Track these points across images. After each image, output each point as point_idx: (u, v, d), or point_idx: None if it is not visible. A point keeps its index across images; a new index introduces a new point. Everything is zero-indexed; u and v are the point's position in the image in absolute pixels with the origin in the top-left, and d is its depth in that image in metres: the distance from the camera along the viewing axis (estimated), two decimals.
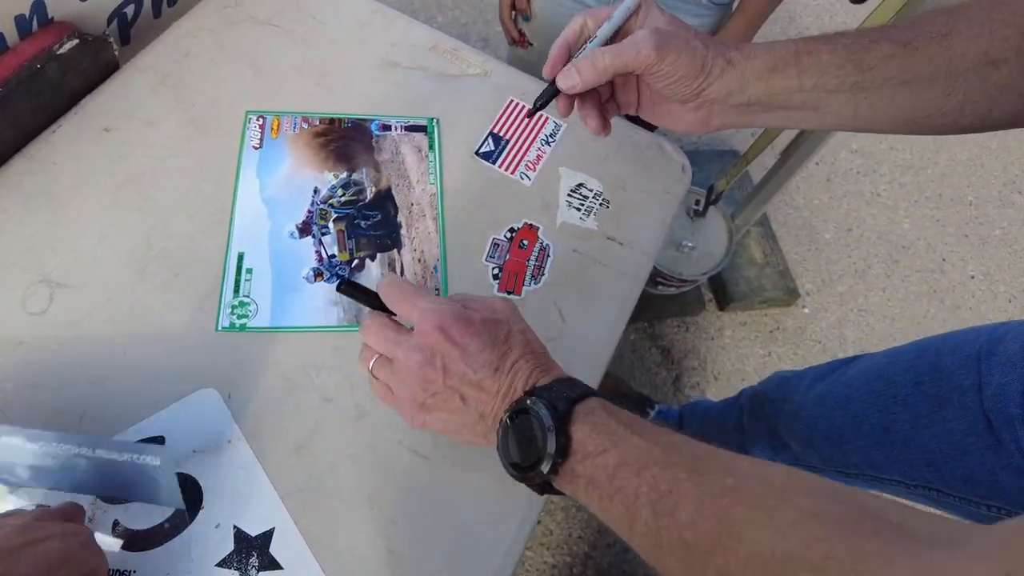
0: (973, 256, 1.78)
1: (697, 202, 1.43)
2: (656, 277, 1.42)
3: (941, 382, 0.68)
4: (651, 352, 1.54)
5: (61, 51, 0.62)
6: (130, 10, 0.72)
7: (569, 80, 0.48)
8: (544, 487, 0.43)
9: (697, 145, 1.84)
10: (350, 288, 0.52)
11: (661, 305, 1.55)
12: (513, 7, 1.14)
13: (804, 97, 0.48)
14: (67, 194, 0.63)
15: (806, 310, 1.65)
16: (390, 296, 0.50)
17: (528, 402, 0.43)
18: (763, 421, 0.98)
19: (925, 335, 0.77)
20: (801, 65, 0.46)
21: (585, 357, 0.63)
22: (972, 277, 1.75)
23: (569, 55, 0.50)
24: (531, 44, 1.16)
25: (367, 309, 0.53)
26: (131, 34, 0.76)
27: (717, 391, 1.51)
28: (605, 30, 0.49)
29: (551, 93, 0.51)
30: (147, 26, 0.77)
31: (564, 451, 0.41)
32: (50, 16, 0.63)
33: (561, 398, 0.42)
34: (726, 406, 1.12)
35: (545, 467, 0.41)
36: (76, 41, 0.63)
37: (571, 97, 0.52)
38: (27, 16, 0.61)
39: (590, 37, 0.50)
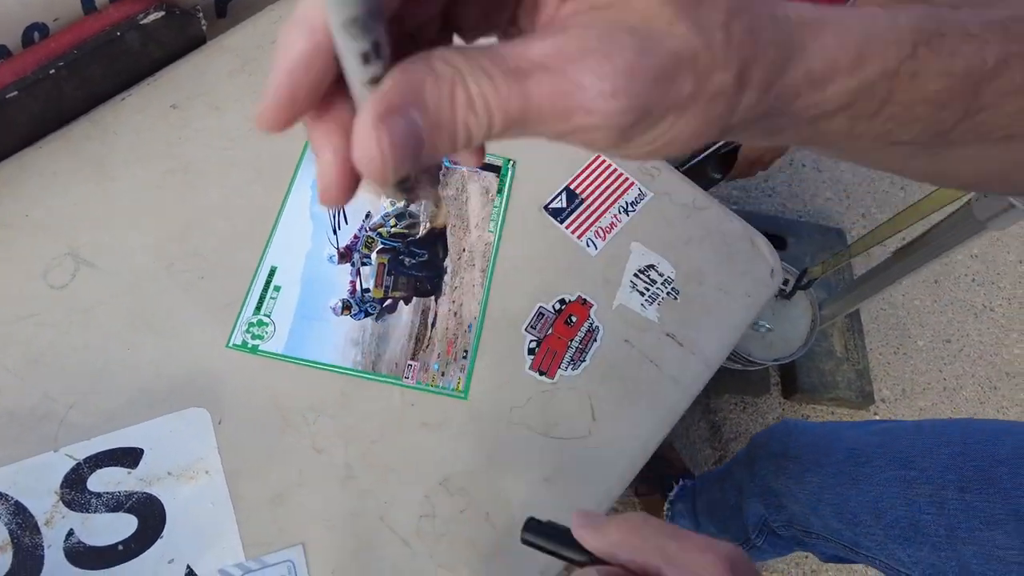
0: None
1: (786, 282, 1.31)
2: None
3: (994, 498, 0.59)
4: (699, 425, 1.44)
5: (144, 21, 0.60)
6: None
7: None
8: None
9: (800, 214, 1.71)
10: (537, 532, 0.35)
11: (723, 377, 1.45)
12: None
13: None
14: (118, 168, 0.61)
15: (877, 417, 1.50)
16: (639, 536, 0.32)
17: None
18: (758, 479, 0.88)
19: None
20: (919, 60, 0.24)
21: (610, 468, 0.56)
22: None
23: None
24: None
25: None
26: (227, 8, 0.74)
27: None
28: None
29: None
30: (249, 2, 0.75)
31: None
32: None
33: None
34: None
35: None
36: (162, 14, 0.61)
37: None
38: None
39: None
